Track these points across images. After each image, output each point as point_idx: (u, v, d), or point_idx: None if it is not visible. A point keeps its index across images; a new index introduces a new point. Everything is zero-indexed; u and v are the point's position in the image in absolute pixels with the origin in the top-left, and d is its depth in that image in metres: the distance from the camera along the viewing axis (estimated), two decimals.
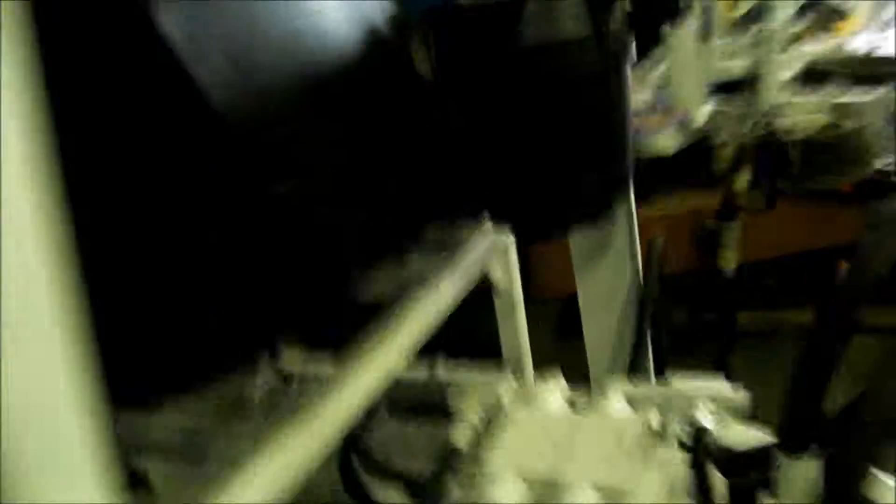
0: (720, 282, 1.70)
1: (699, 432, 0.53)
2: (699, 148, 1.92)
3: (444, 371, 1.18)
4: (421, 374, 1.20)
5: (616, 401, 0.63)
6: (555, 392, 0.65)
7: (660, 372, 1.00)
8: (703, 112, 1.96)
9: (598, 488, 0.50)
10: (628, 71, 0.70)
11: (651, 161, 1.99)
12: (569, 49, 0.63)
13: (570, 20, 0.62)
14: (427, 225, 0.78)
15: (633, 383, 0.66)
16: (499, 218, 0.77)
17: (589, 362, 1.10)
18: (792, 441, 0.50)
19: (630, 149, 0.73)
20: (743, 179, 1.75)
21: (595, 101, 0.66)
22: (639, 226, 1.88)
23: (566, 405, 0.63)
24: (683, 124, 2.03)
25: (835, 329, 0.47)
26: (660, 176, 1.96)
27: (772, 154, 1.77)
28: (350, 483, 0.66)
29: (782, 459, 0.50)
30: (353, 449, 0.66)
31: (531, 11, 0.61)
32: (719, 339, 1.79)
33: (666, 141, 1.98)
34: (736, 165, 1.78)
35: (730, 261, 1.69)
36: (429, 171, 0.66)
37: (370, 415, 0.70)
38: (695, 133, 1.97)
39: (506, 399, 0.66)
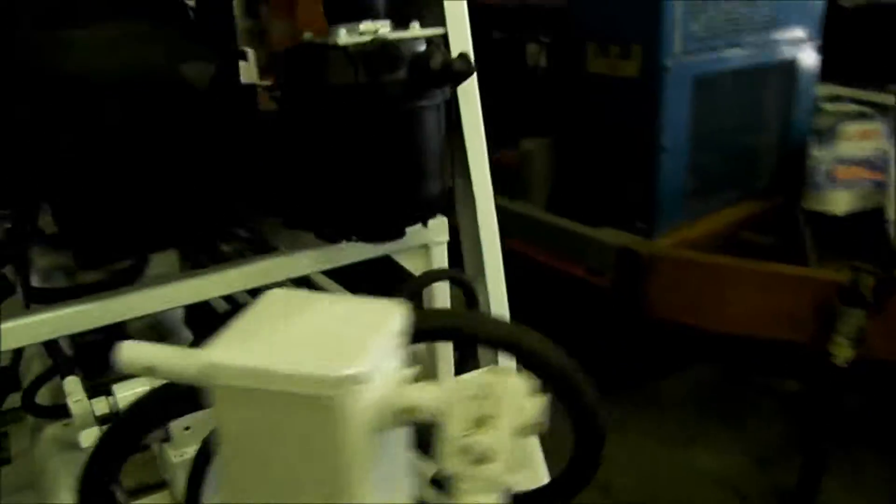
0: (825, 370, 1.53)
1: None
2: (879, 219, 1.71)
3: None
4: None
5: None
6: None
7: None
8: None
9: None
10: (430, 115, 0.85)
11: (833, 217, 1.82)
12: (349, 92, 0.82)
13: (348, 70, 0.81)
14: None
15: None
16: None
17: None
18: None
19: (436, 177, 0.89)
20: None
21: (377, 135, 0.84)
22: (782, 280, 1.78)
23: None
24: (876, 189, 1.79)
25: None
26: (835, 235, 1.80)
27: None
28: None
29: None
30: None
31: (332, 57, 0.81)
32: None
33: (840, 199, 1.79)
34: None
35: (841, 350, 1.52)
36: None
37: None
38: (875, 200, 1.74)
39: None
